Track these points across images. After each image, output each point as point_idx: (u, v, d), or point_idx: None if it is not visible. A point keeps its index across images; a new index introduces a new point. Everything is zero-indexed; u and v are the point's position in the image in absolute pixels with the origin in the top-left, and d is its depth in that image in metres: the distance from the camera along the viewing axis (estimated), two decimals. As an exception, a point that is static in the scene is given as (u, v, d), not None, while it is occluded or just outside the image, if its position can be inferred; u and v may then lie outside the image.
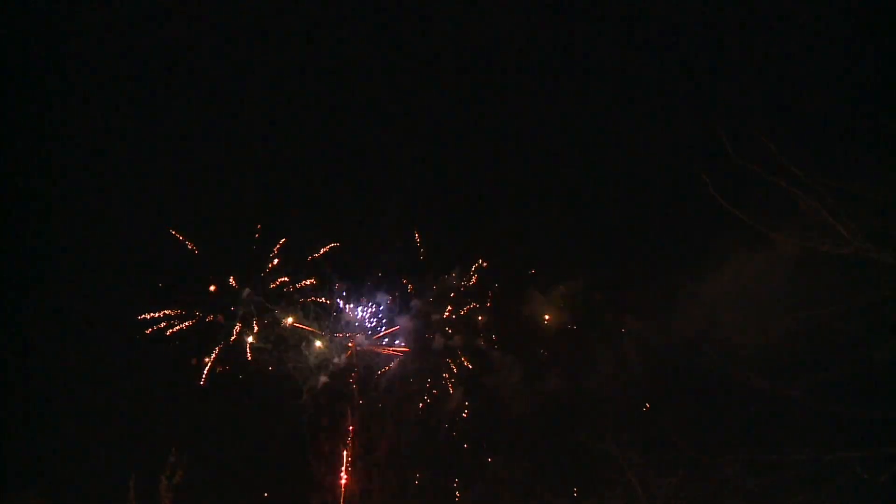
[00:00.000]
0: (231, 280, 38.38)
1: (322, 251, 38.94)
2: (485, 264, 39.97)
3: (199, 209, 38.84)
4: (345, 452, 36.62)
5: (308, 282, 38.77)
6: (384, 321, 39.79)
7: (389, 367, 38.84)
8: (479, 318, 39.80)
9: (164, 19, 36.89)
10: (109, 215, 37.60)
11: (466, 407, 38.24)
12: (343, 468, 36.37)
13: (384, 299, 39.70)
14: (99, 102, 37.20)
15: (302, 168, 41.08)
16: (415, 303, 39.57)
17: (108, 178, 37.92)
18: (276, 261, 38.98)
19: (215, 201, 39.30)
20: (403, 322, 39.35)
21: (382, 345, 39.28)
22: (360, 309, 39.77)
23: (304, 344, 38.47)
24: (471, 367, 38.92)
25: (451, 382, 38.70)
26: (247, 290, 38.40)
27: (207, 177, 38.86)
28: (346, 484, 36.05)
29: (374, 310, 39.82)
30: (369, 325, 39.64)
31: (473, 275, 39.96)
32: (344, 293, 39.52)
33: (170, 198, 38.67)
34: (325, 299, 39.25)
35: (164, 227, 38.03)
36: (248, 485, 34.55)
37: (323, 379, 37.94)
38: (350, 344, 38.96)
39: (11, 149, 32.78)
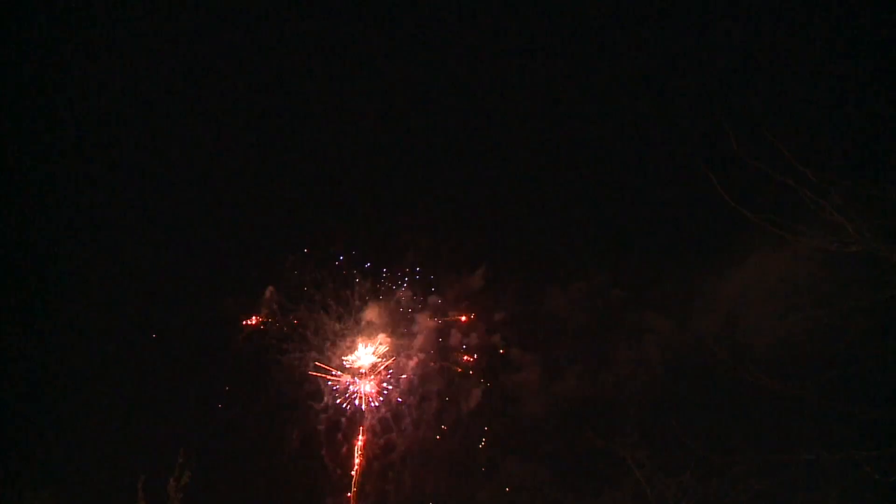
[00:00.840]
0: (253, 280, 38.57)
1: (343, 252, 39.18)
2: (504, 263, 40.03)
3: (220, 210, 39.19)
4: (357, 454, 36.66)
5: (330, 285, 38.94)
6: (404, 320, 39.85)
7: (409, 367, 38.86)
8: (498, 316, 39.73)
9: (187, 26, 37.30)
10: (123, 218, 37.93)
11: (484, 406, 38.18)
12: (356, 468, 36.40)
13: (404, 296, 39.74)
14: (125, 108, 37.68)
15: (326, 170, 41.52)
16: (433, 300, 39.55)
17: (125, 180, 38.31)
18: (298, 263, 39.11)
19: (237, 202, 39.68)
20: (423, 321, 39.37)
21: (402, 344, 39.28)
22: (380, 308, 39.83)
23: (327, 345, 38.60)
24: (489, 365, 38.92)
25: (469, 382, 38.69)
26: (269, 290, 38.44)
27: (228, 178, 39.26)
28: (357, 485, 36.09)
29: (394, 309, 39.87)
30: (390, 325, 39.68)
31: (493, 274, 39.94)
32: (362, 295, 39.60)
33: (190, 199, 39.02)
34: (347, 302, 39.36)
35: (182, 229, 38.38)
36: (261, 486, 34.61)
37: (346, 379, 38.01)
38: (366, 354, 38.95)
39: (36, 155, 33.12)
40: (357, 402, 38.11)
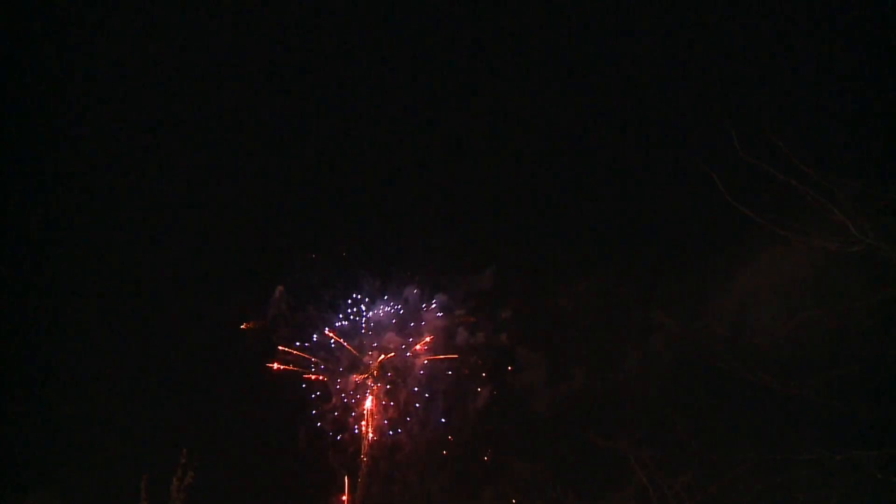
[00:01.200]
0: (261, 279, 38.56)
1: (351, 251, 39.16)
2: (512, 261, 39.88)
3: (227, 209, 39.31)
4: (363, 454, 36.65)
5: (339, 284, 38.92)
6: (412, 319, 39.75)
7: (417, 367, 38.78)
8: (505, 315, 39.54)
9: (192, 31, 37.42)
10: (130, 220, 38.07)
11: (490, 405, 38.06)
12: (362, 469, 36.40)
13: (411, 295, 39.63)
14: (131, 109, 37.80)
15: (334, 168, 41.68)
16: (440, 297, 39.42)
17: (132, 183, 38.50)
18: (307, 263, 39.10)
19: (244, 201, 39.80)
20: (430, 319, 39.27)
21: (410, 343, 39.20)
22: (388, 307, 39.75)
23: (335, 345, 38.58)
24: (495, 364, 38.79)
25: (475, 381, 38.57)
26: (279, 289, 38.38)
27: (235, 177, 39.41)
28: (363, 486, 36.08)
29: (401, 308, 39.77)
30: (397, 324, 39.61)
31: (501, 272, 39.75)
32: (370, 294, 39.56)
33: (196, 199, 39.18)
34: (354, 301, 39.33)
35: (188, 228, 38.46)
36: (265, 486, 34.62)
37: (354, 378, 37.97)
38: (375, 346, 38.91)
39: (42, 153, 33.23)
40: (363, 400, 38.13)
